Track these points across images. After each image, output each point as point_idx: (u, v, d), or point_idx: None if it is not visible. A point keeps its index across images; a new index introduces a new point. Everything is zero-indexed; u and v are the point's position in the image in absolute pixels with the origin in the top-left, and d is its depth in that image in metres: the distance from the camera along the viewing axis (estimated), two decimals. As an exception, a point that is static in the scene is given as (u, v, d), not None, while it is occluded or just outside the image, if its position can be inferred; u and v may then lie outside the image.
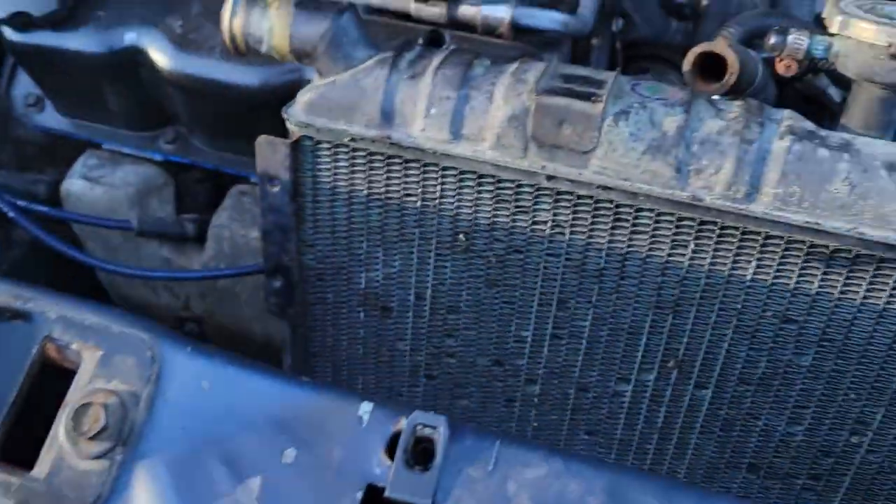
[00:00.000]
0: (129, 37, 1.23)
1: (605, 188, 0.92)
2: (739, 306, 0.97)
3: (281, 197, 1.06)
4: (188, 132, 1.37)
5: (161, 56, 1.23)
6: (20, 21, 1.21)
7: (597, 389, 1.11)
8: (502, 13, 1.19)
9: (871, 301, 0.91)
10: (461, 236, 1.04)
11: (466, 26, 1.22)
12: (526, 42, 1.26)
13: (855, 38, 0.82)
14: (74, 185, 1.35)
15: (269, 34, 0.98)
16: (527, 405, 1.16)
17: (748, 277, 0.95)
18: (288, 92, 1.09)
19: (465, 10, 1.20)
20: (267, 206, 1.08)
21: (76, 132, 1.40)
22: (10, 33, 1.25)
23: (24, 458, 0.73)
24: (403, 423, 0.67)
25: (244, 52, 1.01)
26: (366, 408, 0.69)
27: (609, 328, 1.05)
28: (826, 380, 0.99)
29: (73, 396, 0.67)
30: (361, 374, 1.22)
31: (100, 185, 1.35)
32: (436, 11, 1.20)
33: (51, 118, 1.41)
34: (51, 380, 0.70)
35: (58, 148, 1.49)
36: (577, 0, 1.26)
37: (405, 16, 1.24)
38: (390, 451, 0.70)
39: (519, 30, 1.23)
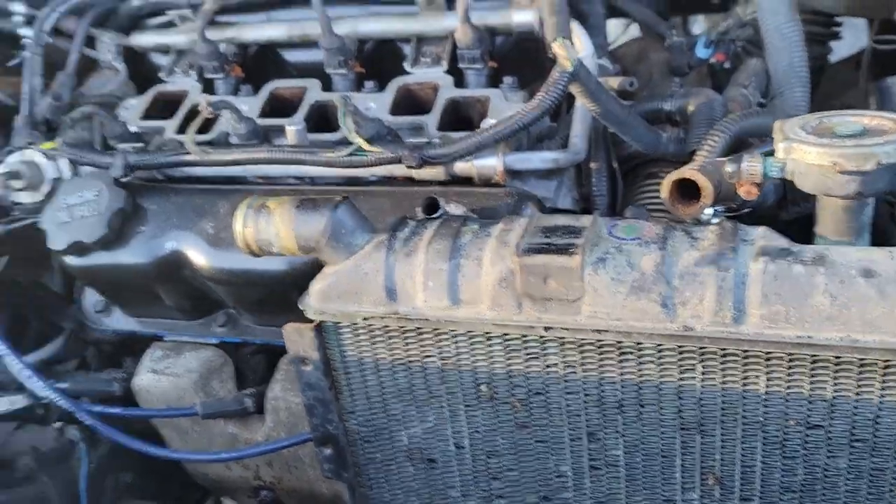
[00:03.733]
0: (169, 244, 1.37)
1: (601, 331, 0.96)
2: (762, 419, 0.98)
3: (315, 375, 1.15)
4: (237, 314, 1.49)
5: (198, 256, 1.36)
6: (77, 248, 1.38)
7: (646, 513, 1.12)
8: (494, 163, 1.27)
9: (889, 398, 0.91)
10: (483, 387, 1.09)
11: (464, 181, 1.31)
12: (529, 176, 1.33)
13: (801, 160, 0.85)
14: (143, 379, 1.48)
15: (277, 238, 1.09)
16: (583, 535, 1.17)
17: (762, 391, 0.96)
18: (313, 270, 1.19)
19: (461, 167, 1.29)
20: (304, 384, 1.17)
21: (141, 329, 1.54)
22: (71, 260, 1.41)
23: None
24: None
25: (259, 255, 1.12)
26: None
27: (642, 454, 1.07)
28: (868, 478, 0.98)
29: None
30: (422, 524, 1.26)
31: (166, 375, 1.47)
32: (434, 171, 1.30)
33: (118, 320, 1.56)
34: None
35: (131, 342, 1.64)
36: (569, 131, 1.34)
37: (410, 179, 1.34)
38: None
39: (516, 173, 1.31)
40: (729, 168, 0.91)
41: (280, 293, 1.36)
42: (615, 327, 0.95)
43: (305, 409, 1.19)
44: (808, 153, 0.84)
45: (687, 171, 1.01)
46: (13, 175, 1.46)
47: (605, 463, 1.09)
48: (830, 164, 0.82)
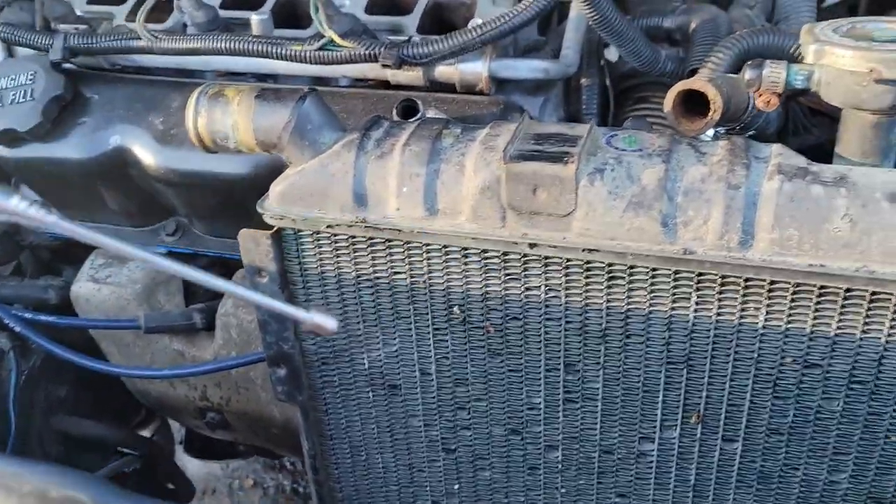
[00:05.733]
0: (114, 139, 1.24)
1: (592, 250, 0.87)
2: (755, 355, 0.91)
3: (271, 287, 1.04)
4: (188, 222, 1.37)
5: (145, 153, 1.23)
6: (8, 137, 1.23)
7: (620, 451, 1.05)
8: (479, 69, 1.16)
9: (896, 338, 0.84)
10: (455, 309, 1.00)
11: (446, 87, 1.19)
12: (513, 89, 1.22)
13: (832, 66, 0.76)
14: (82, 287, 1.36)
15: (234, 130, 0.97)
16: (551, 472, 1.11)
17: (760, 325, 0.88)
18: (274, 176, 1.07)
19: (442, 71, 1.17)
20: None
21: (81, 234, 1.41)
22: (3, 151, 1.27)
23: None
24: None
25: (213, 149, 1.00)
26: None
27: (622, 388, 0.99)
28: (863, 424, 0.91)
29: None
30: (380, 453, 1.18)
31: (107, 285, 1.35)
32: (413, 75, 1.18)
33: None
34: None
35: (70, 248, 1.51)
36: (560, 43, 1.23)
37: (385, 83, 1.22)
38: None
39: (501, 82, 1.20)
40: (749, 75, 0.82)
41: (237, 200, 1.24)
42: (608, 247, 0.86)
43: (259, 325, 1.09)
44: (843, 57, 0.75)
45: (696, 83, 0.91)
46: (-62, 53, 1.30)
47: (581, 396, 1.02)
48: (867, 70, 0.73)
